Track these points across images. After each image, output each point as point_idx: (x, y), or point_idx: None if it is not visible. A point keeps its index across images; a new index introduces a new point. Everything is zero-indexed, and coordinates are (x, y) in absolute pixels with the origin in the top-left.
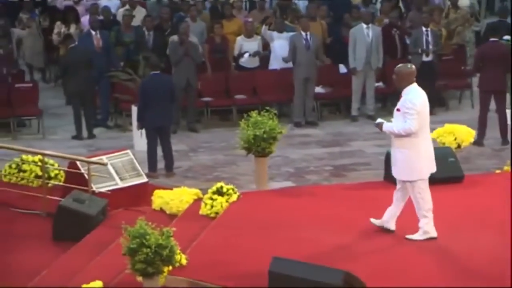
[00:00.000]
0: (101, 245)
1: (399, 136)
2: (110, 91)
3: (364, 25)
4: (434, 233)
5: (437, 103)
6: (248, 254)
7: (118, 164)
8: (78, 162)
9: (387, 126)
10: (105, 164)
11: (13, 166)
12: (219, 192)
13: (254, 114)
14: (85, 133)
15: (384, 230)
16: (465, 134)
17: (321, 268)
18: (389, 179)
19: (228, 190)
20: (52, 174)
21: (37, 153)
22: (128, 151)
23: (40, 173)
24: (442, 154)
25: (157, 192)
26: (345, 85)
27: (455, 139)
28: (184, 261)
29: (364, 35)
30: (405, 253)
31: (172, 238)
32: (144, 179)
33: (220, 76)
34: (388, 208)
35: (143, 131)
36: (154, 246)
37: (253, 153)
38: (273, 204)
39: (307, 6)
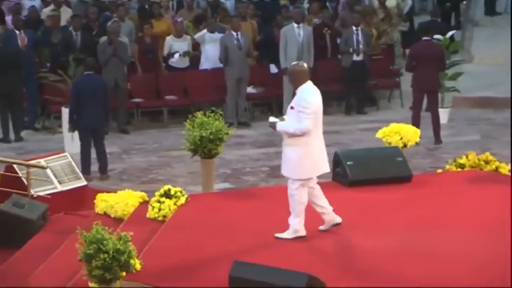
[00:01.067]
0: (45, 250)
1: (294, 136)
2: (38, 93)
3: (295, 25)
4: (303, 232)
5: (368, 103)
6: (204, 258)
7: (56, 168)
8: (15, 166)
9: (281, 125)
10: (45, 168)
11: None
12: (167, 194)
13: (199, 115)
14: (12, 135)
15: (335, 226)
16: (411, 133)
17: (285, 272)
18: (338, 180)
19: (176, 192)
20: None
21: None
22: (66, 154)
23: None
24: (390, 153)
25: (100, 196)
26: (276, 85)
27: (401, 138)
28: (138, 266)
29: (295, 35)
30: (367, 253)
31: (130, 243)
32: (83, 182)
33: (150, 76)
34: (319, 211)
35: (75, 133)
36: (112, 251)
37: (199, 155)
38: (223, 207)
39: (236, 6)
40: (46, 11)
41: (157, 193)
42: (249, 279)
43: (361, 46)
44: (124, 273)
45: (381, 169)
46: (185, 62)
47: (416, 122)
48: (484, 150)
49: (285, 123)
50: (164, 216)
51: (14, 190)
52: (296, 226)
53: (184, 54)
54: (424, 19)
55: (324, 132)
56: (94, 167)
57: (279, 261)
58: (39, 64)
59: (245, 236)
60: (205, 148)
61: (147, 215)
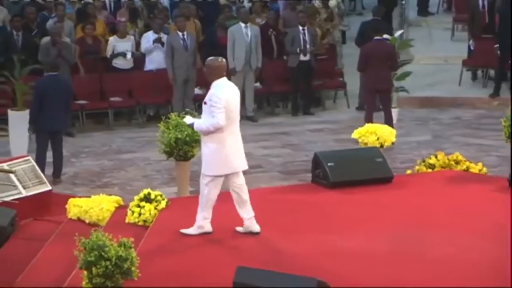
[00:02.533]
0: (19, 259)
1: (208, 132)
2: None
3: (243, 24)
4: (209, 229)
5: (314, 103)
6: (199, 263)
7: (20, 172)
8: None
9: (197, 124)
10: (13, 172)
11: None
12: (147, 199)
13: (174, 116)
14: None
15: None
16: (387, 133)
17: (292, 277)
18: (318, 182)
19: (156, 196)
20: None
21: None
22: (29, 157)
23: None
24: (369, 154)
25: (72, 201)
26: None
27: (378, 139)
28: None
29: (243, 35)
30: (354, 255)
31: (132, 250)
32: (48, 187)
33: (94, 77)
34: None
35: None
36: (115, 258)
37: (174, 157)
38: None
39: (179, 5)
40: None
41: (136, 197)
42: (256, 286)
43: (308, 46)
44: (123, 281)
45: (361, 170)
46: (129, 63)
47: (369, 122)
48: (437, 150)
49: (200, 121)
50: (145, 221)
51: None
52: (201, 222)
53: (133, 54)
54: (354, 19)
55: (273, 133)
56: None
57: (278, 266)
58: None
59: (235, 240)
60: (181, 151)
61: (127, 220)
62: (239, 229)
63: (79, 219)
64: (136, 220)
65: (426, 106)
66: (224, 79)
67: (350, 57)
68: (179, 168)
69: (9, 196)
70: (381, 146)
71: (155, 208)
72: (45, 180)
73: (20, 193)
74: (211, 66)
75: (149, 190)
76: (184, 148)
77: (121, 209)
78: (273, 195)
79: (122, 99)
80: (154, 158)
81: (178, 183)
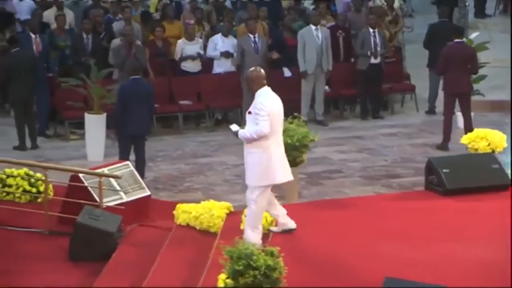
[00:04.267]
0: (133, 264)
1: (252, 140)
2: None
3: (313, 27)
4: (260, 246)
5: (381, 107)
6: (334, 272)
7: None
8: (81, 175)
9: (241, 132)
10: (119, 177)
11: None
12: None
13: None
14: (28, 143)
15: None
16: (498, 139)
17: None
18: (432, 188)
19: None
20: (41, 189)
21: (41, 167)
22: (128, 162)
23: (28, 188)
24: (485, 160)
25: (180, 206)
26: (291, 89)
27: (489, 144)
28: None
29: (314, 37)
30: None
31: (280, 259)
32: (147, 192)
33: (163, 80)
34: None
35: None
36: (264, 267)
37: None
38: (321, 217)
39: (248, 7)
40: (49, 14)
41: None
42: None
43: (378, 49)
44: None
45: (477, 176)
46: (197, 66)
47: (447, 127)
48: None
49: (244, 130)
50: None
51: (84, 201)
52: (253, 239)
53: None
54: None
55: (346, 137)
56: None
57: (411, 275)
58: (47, 68)
59: (363, 249)
60: (290, 156)
61: (242, 226)
62: (274, 229)
63: (188, 225)
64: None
65: (497, 110)
66: (267, 87)
67: (411, 59)
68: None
69: (111, 201)
70: (493, 151)
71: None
72: (144, 185)
73: (121, 198)
74: (250, 77)
75: None
76: (293, 154)
77: (232, 215)
78: (385, 201)
79: (191, 103)
80: (231, 163)
81: (287, 189)
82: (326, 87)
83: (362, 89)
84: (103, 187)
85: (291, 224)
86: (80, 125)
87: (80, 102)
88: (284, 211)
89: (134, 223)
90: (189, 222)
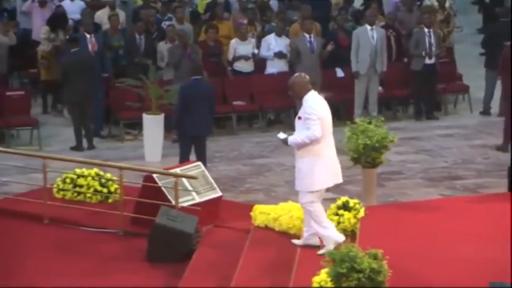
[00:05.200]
0: (214, 266)
1: (303, 145)
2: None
3: (368, 27)
4: (341, 238)
5: (435, 108)
6: (428, 277)
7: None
8: (155, 176)
9: (291, 139)
10: (196, 178)
11: (68, 181)
12: (345, 207)
13: (359, 121)
14: (84, 144)
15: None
16: None
17: None
18: None
19: (355, 205)
20: (112, 189)
21: (116, 167)
22: (199, 163)
23: (99, 188)
24: None
25: (257, 208)
26: (344, 89)
27: None
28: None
29: (369, 37)
30: None
31: (384, 262)
32: (219, 193)
33: (216, 81)
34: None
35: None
36: (368, 270)
37: (361, 164)
38: (405, 219)
39: (301, 7)
40: (101, 14)
41: (333, 206)
42: None
43: (433, 49)
44: None
45: None
46: (250, 66)
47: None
48: None
49: (294, 136)
50: (344, 230)
51: (159, 202)
52: (330, 234)
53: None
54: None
55: (402, 138)
56: None
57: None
58: (101, 68)
59: (451, 252)
60: (369, 157)
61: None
62: (296, 242)
63: (266, 227)
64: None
65: None
66: (314, 91)
67: (459, 60)
68: (366, 175)
69: (184, 202)
70: None
71: (355, 217)
72: (215, 186)
73: (193, 199)
74: (297, 83)
75: (347, 198)
76: (372, 155)
77: None
78: (473, 204)
79: (244, 103)
80: (289, 164)
81: (364, 190)
82: (380, 88)
83: (416, 89)
84: (176, 188)
85: (315, 241)
86: (134, 125)
87: (138, 102)
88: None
89: (208, 224)
90: (268, 224)
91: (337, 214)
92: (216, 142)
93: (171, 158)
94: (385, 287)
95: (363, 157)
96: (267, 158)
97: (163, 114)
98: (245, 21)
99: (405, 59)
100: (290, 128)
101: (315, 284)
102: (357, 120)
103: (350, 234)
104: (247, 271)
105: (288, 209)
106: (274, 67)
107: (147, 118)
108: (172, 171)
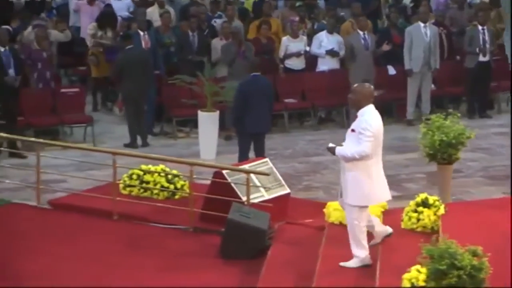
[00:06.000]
0: (291, 263)
1: (353, 160)
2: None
3: (422, 24)
4: (369, 261)
5: (488, 106)
6: None
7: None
8: (224, 172)
9: (340, 150)
10: (268, 174)
11: (134, 177)
12: (425, 204)
13: (435, 117)
14: (138, 141)
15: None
16: None
17: None
18: None
19: (434, 202)
20: (179, 185)
21: (186, 163)
22: (267, 159)
23: (166, 184)
24: None
25: (331, 205)
26: (396, 87)
27: None
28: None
29: (422, 35)
30: None
31: (486, 259)
32: (287, 190)
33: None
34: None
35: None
36: (469, 268)
37: (437, 160)
38: (486, 217)
39: (352, 5)
40: (152, 11)
41: (412, 203)
42: None
43: (487, 46)
44: None
45: None
46: (301, 64)
47: None
48: None
49: (344, 148)
50: (424, 227)
51: (230, 198)
52: (361, 255)
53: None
54: None
55: None
56: None
57: None
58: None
59: None
60: (445, 154)
61: (403, 226)
62: (374, 242)
63: (341, 224)
64: (414, 226)
65: None
66: (372, 106)
67: None
68: (442, 171)
69: (255, 199)
70: None
71: (435, 214)
72: (284, 182)
73: (262, 195)
74: (361, 92)
75: (426, 194)
76: (448, 151)
77: (389, 214)
78: None
79: (296, 101)
80: None
81: (440, 187)
82: (432, 85)
83: (469, 87)
84: (248, 185)
85: (388, 229)
86: (184, 123)
87: (192, 100)
88: (378, 220)
89: (277, 221)
90: (342, 221)
91: (416, 211)
92: (270, 140)
93: (226, 156)
94: (485, 285)
95: (439, 154)
96: (323, 156)
97: (218, 111)
98: (297, 18)
99: (458, 57)
100: (341, 127)
101: (405, 282)
102: (432, 116)
103: (430, 232)
104: (327, 268)
105: None
106: (325, 64)
107: (202, 115)
108: (242, 167)
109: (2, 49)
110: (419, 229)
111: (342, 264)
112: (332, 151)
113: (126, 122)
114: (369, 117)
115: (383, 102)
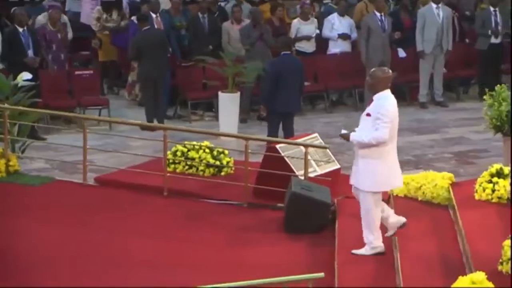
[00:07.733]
0: (359, 237)
1: (369, 145)
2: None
3: (434, 5)
4: (382, 249)
5: None
6: None
7: (311, 149)
8: (278, 146)
9: (355, 136)
10: (327, 147)
11: (178, 154)
12: (499, 174)
13: (501, 87)
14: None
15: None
16: None
17: None
18: None
19: (510, 172)
20: (224, 162)
21: (243, 138)
22: (316, 134)
23: (211, 161)
24: None
25: None
26: (406, 70)
27: None
28: None
29: (435, 16)
30: None
31: None
32: (337, 166)
33: None
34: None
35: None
36: None
37: (504, 132)
38: None
39: None
40: None
41: (485, 173)
42: None
43: (499, 28)
44: None
45: None
46: (312, 46)
47: None
48: None
49: (359, 133)
50: (499, 198)
51: (285, 172)
52: (374, 242)
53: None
54: None
55: (475, 118)
56: None
57: None
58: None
59: None
60: None
61: (476, 197)
62: (389, 233)
63: (406, 196)
64: (489, 197)
65: None
66: (388, 91)
67: None
68: (507, 143)
69: (309, 174)
70: None
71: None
72: (333, 158)
73: (315, 170)
74: (379, 77)
75: (500, 165)
76: None
77: (457, 186)
78: None
79: (309, 83)
80: None
81: (506, 158)
82: (444, 69)
83: (482, 69)
84: (306, 158)
85: (402, 219)
86: (196, 106)
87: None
88: (392, 211)
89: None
90: (407, 193)
91: (490, 182)
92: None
93: None
94: None
95: (506, 125)
96: None
97: (239, 92)
98: (308, 1)
99: (467, 40)
100: (354, 109)
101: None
102: (496, 87)
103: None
104: (405, 241)
105: (432, 178)
106: (337, 47)
107: (223, 96)
108: (299, 141)
109: (21, 30)
110: (494, 200)
111: (354, 251)
112: (346, 137)
113: (137, 106)
114: (386, 102)
115: (394, 85)
